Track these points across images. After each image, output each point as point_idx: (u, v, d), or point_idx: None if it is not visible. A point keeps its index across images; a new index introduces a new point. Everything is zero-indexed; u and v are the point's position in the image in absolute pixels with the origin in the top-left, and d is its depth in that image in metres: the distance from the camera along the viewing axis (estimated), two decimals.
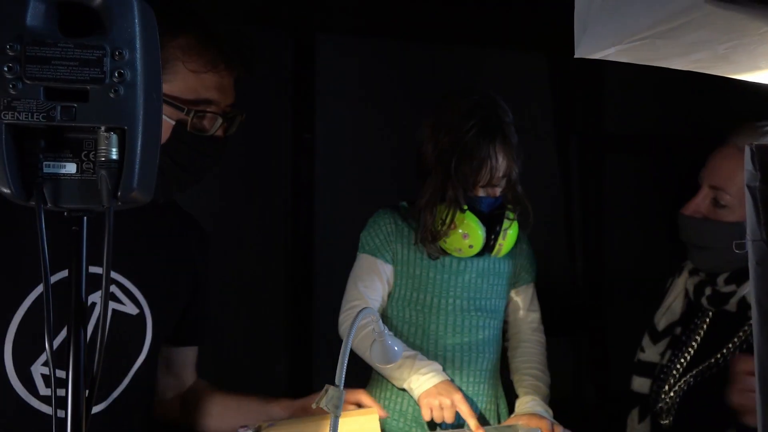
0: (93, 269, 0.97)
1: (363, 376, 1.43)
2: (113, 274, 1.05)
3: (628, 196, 3.01)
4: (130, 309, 1.07)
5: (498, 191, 1.34)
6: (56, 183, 0.66)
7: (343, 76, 2.50)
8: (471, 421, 1.22)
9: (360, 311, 0.73)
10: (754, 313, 0.46)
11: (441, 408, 1.23)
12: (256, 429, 1.08)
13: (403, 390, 1.34)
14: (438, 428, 1.29)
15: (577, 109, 2.78)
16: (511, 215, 1.35)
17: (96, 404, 1.02)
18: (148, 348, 1.09)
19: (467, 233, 1.31)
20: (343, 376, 0.67)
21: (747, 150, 0.45)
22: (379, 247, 1.38)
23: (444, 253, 1.35)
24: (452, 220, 1.31)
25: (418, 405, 1.28)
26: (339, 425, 1.08)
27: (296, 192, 2.52)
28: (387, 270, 1.38)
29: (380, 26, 2.52)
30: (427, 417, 1.25)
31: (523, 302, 1.47)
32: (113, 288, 1.05)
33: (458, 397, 1.24)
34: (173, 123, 0.99)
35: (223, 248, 1.37)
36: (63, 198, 0.66)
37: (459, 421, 1.27)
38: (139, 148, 0.65)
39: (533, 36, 2.66)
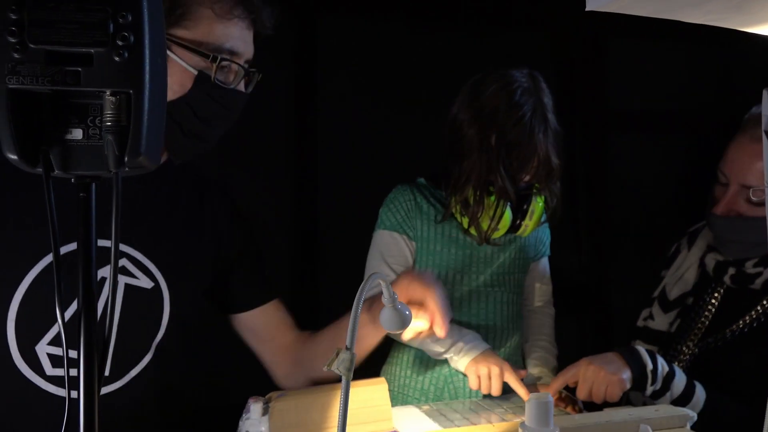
0: (101, 242, 0.96)
1: (378, 352, 1.42)
2: (124, 247, 1.03)
3: (633, 174, 3.00)
4: (144, 283, 1.04)
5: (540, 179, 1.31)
6: (63, 149, 0.65)
7: (346, 56, 2.48)
8: (521, 391, 1.21)
9: (370, 275, 0.72)
10: None
11: (489, 377, 1.21)
12: (266, 399, 1.09)
13: (424, 368, 1.35)
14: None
15: (580, 87, 2.77)
16: (540, 199, 1.33)
17: (112, 382, 1.02)
18: (167, 323, 1.07)
19: (489, 213, 1.30)
20: (354, 339, 0.67)
21: (765, 95, 0.44)
22: (401, 223, 1.37)
23: (470, 235, 1.34)
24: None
25: (462, 374, 1.28)
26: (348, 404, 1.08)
27: (299, 176, 2.52)
28: (410, 245, 1.37)
29: (382, 7, 2.50)
30: (474, 386, 1.24)
31: (538, 274, 1.47)
32: (125, 261, 1.03)
33: (507, 366, 1.22)
34: (195, 73, 0.96)
35: None
36: (70, 164, 0.66)
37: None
38: (145, 112, 0.65)
39: (536, 15, 2.64)
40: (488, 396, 1.27)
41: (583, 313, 3.08)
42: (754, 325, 1.23)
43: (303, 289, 2.56)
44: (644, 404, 1.26)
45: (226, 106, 1.01)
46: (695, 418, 1.05)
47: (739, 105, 1.37)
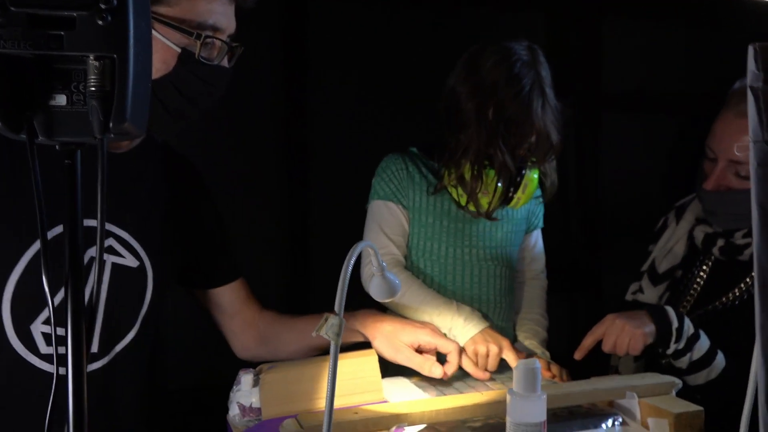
0: (88, 222, 0.96)
1: None
2: (110, 227, 1.04)
3: (624, 154, 3.01)
4: (130, 262, 1.05)
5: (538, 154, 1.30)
6: (47, 115, 0.65)
7: (337, 28, 2.46)
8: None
9: (358, 243, 0.73)
10: (754, 216, 0.46)
11: (487, 355, 1.21)
12: (257, 371, 1.09)
13: None
14: None
15: (573, 67, 2.77)
16: (534, 172, 1.33)
17: (97, 359, 1.02)
18: (150, 301, 1.08)
19: (487, 190, 1.30)
20: (343, 304, 0.68)
21: (750, 50, 0.44)
22: (395, 192, 1.36)
23: (468, 211, 1.33)
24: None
25: None
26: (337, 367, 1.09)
27: (290, 155, 2.50)
28: (405, 214, 1.37)
29: None
30: (470, 368, 1.21)
31: (530, 246, 1.47)
32: (111, 241, 1.04)
33: (506, 344, 1.22)
34: (179, 51, 0.94)
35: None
36: (54, 130, 0.65)
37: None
38: (130, 77, 0.64)
39: None
40: None
41: (574, 292, 3.11)
42: (744, 297, 1.24)
43: (295, 268, 2.56)
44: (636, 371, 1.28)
45: (210, 82, 1.01)
46: (680, 385, 1.07)
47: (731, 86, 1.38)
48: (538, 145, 1.27)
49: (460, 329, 1.25)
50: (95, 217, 0.65)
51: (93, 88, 0.63)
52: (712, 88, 1.40)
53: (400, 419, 0.90)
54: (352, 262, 0.70)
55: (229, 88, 1.07)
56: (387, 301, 0.87)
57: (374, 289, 0.85)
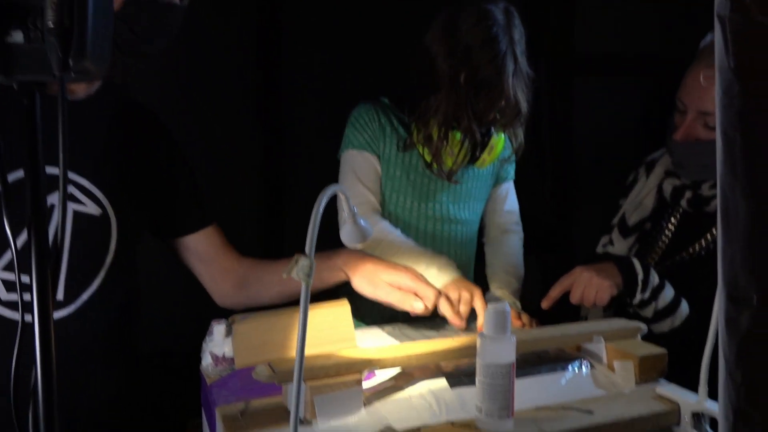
0: (50, 170, 0.94)
1: None
2: (70, 174, 1.02)
3: (596, 115, 3.03)
4: (92, 209, 1.05)
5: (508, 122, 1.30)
6: (3, 52, 0.62)
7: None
8: (482, 318, 1.21)
9: (328, 187, 0.72)
10: (718, 143, 0.47)
11: (459, 301, 1.22)
12: (229, 321, 1.09)
13: None
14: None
15: (546, 30, 2.75)
16: (501, 134, 1.33)
17: (63, 307, 1.02)
18: (115, 249, 1.07)
19: (452, 151, 1.30)
20: (314, 245, 0.67)
21: (716, 22, 0.44)
22: (369, 142, 1.36)
23: (432, 170, 1.34)
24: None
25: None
26: (309, 318, 1.10)
27: (264, 104, 2.46)
28: (378, 164, 1.37)
29: None
30: (443, 311, 1.24)
31: (501, 198, 1.49)
32: (71, 189, 1.02)
33: (478, 293, 1.24)
34: None
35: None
36: (11, 68, 0.63)
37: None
38: (90, 12, 0.62)
39: None
40: None
41: (546, 252, 3.15)
42: (711, 247, 1.27)
43: (270, 218, 2.55)
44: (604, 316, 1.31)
45: (162, 20, 0.98)
46: (645, 330, 1.10)
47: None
48: (506, 110, 1.27)
49: (433, 277, 1.27)
50: (55, 164, 0.64)
51: (51, 24, 0.61)
52: (683, 51, 1.41)
53: (372, 364, 0.91)
54: (323, 204, 0.69)
55: (202, 39, 1.04)
56: (359, 247, 0.87)
57: (345, 234, 0.85)
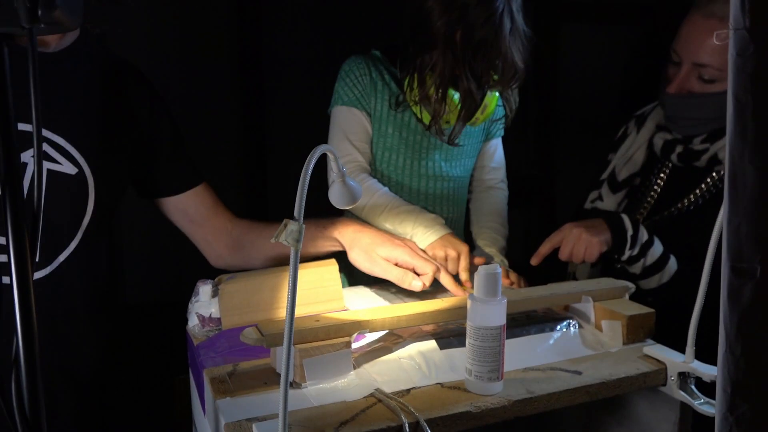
0: (22, 126, 0.90)
1: None
2: (45, 132, 0.98)
3: (583, 67, 2.98)
4: (68, 168, 1.01)
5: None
6: None
7: None
8: (463, 275, 1.22)
9: (318, 147, 0.69)
10: (729, 108, 0.45)
11: (446, 260, 1.22)
12: (216, 282, 1.07)
13: None
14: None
15: None
16: (495, 93, 1.29)
17: (41, 269, 0.99)
18: (93, 209, 1.04)
19: (451, 110, 1.26)
20: (302, 209, 0.65)
21: None
22: (359, 98, 1.32)
23: (428, 129, 1.31)
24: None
25: None
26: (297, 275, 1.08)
27: (245, 61, 2.40)
28: (369, 121, 1.34)
29: None
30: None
31: (488, 154, 1.47)
32: (46, 147, 0.98)
33: (465, 250, 1.23)
34: None
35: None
36: None
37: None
38: None
39: None
40: None
41: (530, 204, 3.16)
42: (699, 202, 1.27)
43: (253, 178, 2.52)
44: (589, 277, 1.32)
45: None
46: (633, 289, 1.10)
47: None
48: (503, 71, 1.24)
49: (420, 236, 1.26)
50: (27, 121, 0.60)
51: None
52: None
53: (361, 326, 0.90)
54: (312, 166, 0.67)
55: (181, 11, 1.00)
56: (349, 207, 0.85)
57: (334, 195, 0.83)
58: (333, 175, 0.81)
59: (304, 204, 0.66)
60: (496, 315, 0.83)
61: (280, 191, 2.48)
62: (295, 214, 0.65)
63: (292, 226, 0.65)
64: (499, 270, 0.83)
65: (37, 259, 0.97)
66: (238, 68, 2.41)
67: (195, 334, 1.04)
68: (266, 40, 2.40)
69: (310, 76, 2.12)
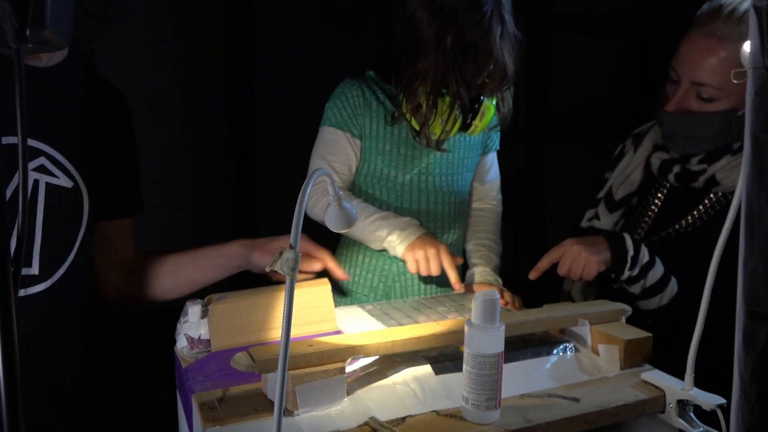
0: (8, 140, 0.88)
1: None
2: (42, 146, 0.98)
3: (574, 77, 2.99)
4: (64, 182, 1.00)
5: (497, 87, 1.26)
6: None
7: None
8: (451, 273, 1.23)
9: (314, 171, 0.67)
10: (746, 147, 0.43)
11: (426, 259, 1.22)
12: (205, 302, 1.05)
13: (372, 266, 1.33)
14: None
15: None
16: (492, 100, 1.29)
17: (40, 282, 0.98)
18: (86, 223, 1.04)
19: (443, 118, 1.25)
20: (299, 236, 0.63)
21: None
22: (346, 120, 1.31)
23: (421, 139, 1.30)
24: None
25: (402, 261, 1.28)
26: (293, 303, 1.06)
27: (236, 80, 2.38)
28: (356, 144, 1.32)
29: None
30: (413, 269, 1.25)
31: (484, 169, 1.46)
32: (43, 160, 0.98)
33: (443, 247, 1.23)
34: None
35: (161, 127, 1.28)
36: None
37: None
38: None
39: None
40: (430, 280, 1.29)
41: (519, 215, 3.15)
42: (697, 224, 1.26)
43: (242, 194, 2.49)
44: (585, 299, 1.30)
45: None
46: (630, 311, 1.08)
47: (682, 9, 1.34)
48: (494, 74, 1.23)
49: (397, 238, 1.26)
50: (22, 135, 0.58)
51: None
52: (658, 8, 1.37)
53: (355, 351, 0.87)
54: (309, 191, 0.65)
55: (173, 15, 1.01)
56: (344, 232, 0.83)
57: (330, 218, 0.81)
58: (329, 198, 0.79)
59: (300, 231, 0.64)
60: (495, 342, 0.81)
61: (269, 205, 2.46)
62: (291, 241, 0.63)
63: (287, 254, 0.63)
64: (498, 296, 0.81)
65: (36, 272, 0.96)
66: (230, 83, 2.39)
67: (183, 356, 1.01)
68: (258, 54, 2.38)
69: (300, 90, 2.09)
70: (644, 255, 1.18)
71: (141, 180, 1.18)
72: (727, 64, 1.15)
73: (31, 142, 0.95)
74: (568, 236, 1.28)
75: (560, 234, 1.48)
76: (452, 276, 1.24)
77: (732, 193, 1.23)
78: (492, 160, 1.48)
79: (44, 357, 1.01)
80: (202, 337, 1.02)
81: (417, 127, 1.28)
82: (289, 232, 0.65)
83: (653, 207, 1.32)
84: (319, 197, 1.32)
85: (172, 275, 1.17)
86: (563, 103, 3.01)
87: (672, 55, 1.25)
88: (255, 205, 2.49)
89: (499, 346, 0.81)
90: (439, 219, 1.38)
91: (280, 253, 0.63)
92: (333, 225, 0.81)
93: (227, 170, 2.44)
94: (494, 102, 1.30)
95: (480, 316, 0.81)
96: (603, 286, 1.37)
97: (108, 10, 0.94)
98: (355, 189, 1.37)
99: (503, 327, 0.82)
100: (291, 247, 0.63)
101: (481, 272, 1.36)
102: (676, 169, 1.28)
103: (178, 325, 1.04)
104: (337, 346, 0.87)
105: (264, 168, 2.46)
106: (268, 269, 0.64)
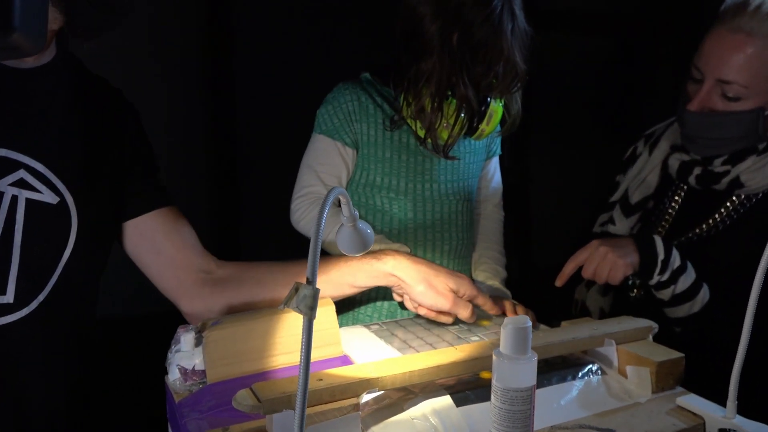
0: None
1: None
2: (22, 157, 0.87)
3: (558, 75, 2.94)
4: (48, 197, 0.90)
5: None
6: None
7: None
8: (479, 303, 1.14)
9: (330, 191, 0.59)
10: None
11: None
12: (199, 328, 0.96)
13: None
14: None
15: None
16: (499, 101, 1.20)
17: (14, 311, 0.87)
18: (75, 241, 0.93)
19: (448, 123, 1.17)
20: (316, 271, 0.54)
21: None
22: (338, 128, 1.21)
23: (426, 146, 1.21)
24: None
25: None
26: (288, 319, 0.97)
27: (217, 88, 2.29)
28: (348, 153, 1.23)
29: None
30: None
31: (488, 175, 1.38)
32: (23, 174, 0.87)
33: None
34: None
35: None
36: None
37: None
38: None
39: None
40: None
41: (505, 212, 3.11)
42: (720, 227, 1.20)
43: (224, 205, 2.40)
44: (603, 317, 1.23)
45: None
46: (656, 329, 1.02)
47: (664, 9, 1.28)
48: (504, 74, 1.14)
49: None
50: (3, 145, 0.50)
51: None
52: (642, 7, 1.32)
53: (370, 384, 0.79)
54: (324, 221, 0.56)
55: (153, 21, 0.91)
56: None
57: (343, 241, 0.73)
58: (343, 218, 0.71)
59: (317, 264, 0.55)
60: (527, 374, 0.73)
61: (251, 210, 2.37)
62: (308, 275, 0.55)
63: (304, 290, 0.54)
64: (530, 324, 0.74)
65: (11, 300, 0.86)
66: (210, 88, 2.30)
67: (176, 389, 0.92)
68: (238, 60, 2.29)
69: (284, 93, 2.00)
70: (676, 259, 1.12)
71: (158, 174, 1.07)
72: (754, 60, 1.09)
73: (8, 154, 0.85)
74: (578, 243, 1.21)
75: (546, 233, 1.42)
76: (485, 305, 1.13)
77: (756, 195, 1.17)
78: (495, 165, 1.40)
79: (19, 387, 0.90)
80: (196, 368, 0.93)
81: (421, 133, 1.19)
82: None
83: (671, 210, 1.26)
84: (306, 210, 1.23)
85: (272, 285, 1.05)
86: (546, 101, 2.96)
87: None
88: (238, 210, 2.41)
89: (531, 379, 0.73)
90: (446, 229, 1.29)
91: (296, 289, 0.55)
92: (347, 248, 0.73)
93: (209, 175, 2.35)
94: (502, 104, 1.22)
95: (510, 346, 0.73)
96: (617, 297, 1.30)
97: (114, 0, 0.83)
98: (354, 200, 1.28)
99: (535, 357, 0.74)
100: (308, 281, 0.55)
101: (489, 286, 1.28)
102: (697, 171, 1.21)
103: (170, 355, 0.94)
104: (350, 379, 0.78)
105: (246, 174, 2.37)
106: (281, 308, 0.55)
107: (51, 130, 0.91)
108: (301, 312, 0.54)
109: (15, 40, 0.47)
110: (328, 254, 1.21)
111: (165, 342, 0.96)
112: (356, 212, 0.71)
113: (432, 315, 1.08)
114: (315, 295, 0.54)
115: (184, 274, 1.06)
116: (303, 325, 0.55)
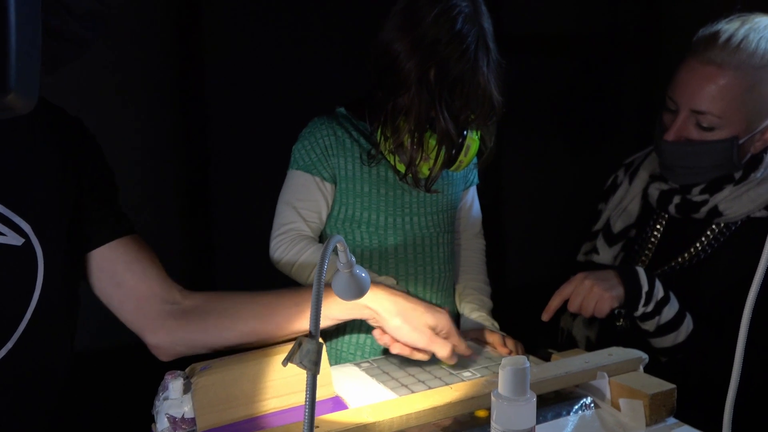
0: None
1: None
2: None
3: (525, 99, 3.00)
4: (13, 239, 0.86)
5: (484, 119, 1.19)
6: None
7: None
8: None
9: (330, 239, 0.58)
10: None
11: None
12: (187, 374, 0.93)
13: (359, 322, 1.23)
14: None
15: None
16: (476, 133, 1.21)
17: None
18: (42, 284, 0.89)
19: (428, 156, 1.17)
20: (319, 324, 0.54)
21: None
22: (315, 163, 1.21)
23: (407, 182, 1.21)
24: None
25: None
26: (276, 362, 0.95)
27: (188, 124, 2.28)
28: (326, 188, 1.22)
29: None
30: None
31: (466, 205, 1.38)
32: None
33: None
34: None
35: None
36: None
37: None
38: (11, 28, 0.45)
39: None
40: None
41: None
42: (701, 256, 1.22)
43: (197, 237, 2.37)
44: (590, 346, 1.24)
45: (82, 17, 0.80)
46: (647, 360, 1.02)
47: (625, 31, 1.32)
48: (482, 107, 1.16)
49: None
50: None
51: None
52: (604, 30, 1.35)
53: (367, 430, 0.78)
54: (324, 270, 0.55)
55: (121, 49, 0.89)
56: (354, 301, 0.74)
57: (339, 286, 0.72)
58: (339, 265, 0.70)
59: (320, 315, 0.55)
60: (527, 415, 0.73)
61: (226, 248, 2.35)
62: (311, 329, 0.54)
63: (307, 345, 0.53)
64: (528, 364, 0.73)
65: None
66: (181, 117, 2.29)
67: None
68: (210, 87, 2.29)
69: (255, 123, 1.99)
70: (659, 290, 1.13)
71: (118, 202, 1.03)
72: (726, 91, 1.12)
73: None
74: (563, 272, 1.22)
75: (520, 253, 1.43)
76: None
77: (735, 224, 1.20)
78: (473, 194, 1.41)
79: None
80: (185, 416, 0.90)
81: (401, 167, 1.19)
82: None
83: (653, 239, 1.28)
84: (287, 247, 1.21)
85: (260, 319, 1.02)
86: (513, 122, 3.02)
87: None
88: (210, 239, 2.38)
89: (531, 420, 0.73)
90: (428, 262, 1.28)
91: (299, 344, 0.54)
92: (343, 294, 0.72)
93: (181, 205, 2.33)
94: (478, 135, 1.23)
95: (509, 387, 0.73)
96: (603, 327, 1.31)
97: (79, 33, 0.79)
98: (326, 234, 1.27)
99: (534, 397, 0.74)
100: (311, 335, 0.54)
101: (476, 318, 1.28)
102: (677, 199, 1.23)
103: (157, 402, 0.92)
104: (347, 425, 0.77)
105: (219, 202, 2.35)
106: (284, 364, 0.54)
107: (12, 169, 0.88)
108: (305, 368, 0.53)
109: (10, 101, 0.46)
110: (299, 285, 1.20)
111: (149, 378, 0.93)
112: (353, 258, 0.70)
113: (406, 352, 1.04)
114: (319, 350, 0.53)
115: (147, 306, 1.02)
116: (307, 381, 0.54)
